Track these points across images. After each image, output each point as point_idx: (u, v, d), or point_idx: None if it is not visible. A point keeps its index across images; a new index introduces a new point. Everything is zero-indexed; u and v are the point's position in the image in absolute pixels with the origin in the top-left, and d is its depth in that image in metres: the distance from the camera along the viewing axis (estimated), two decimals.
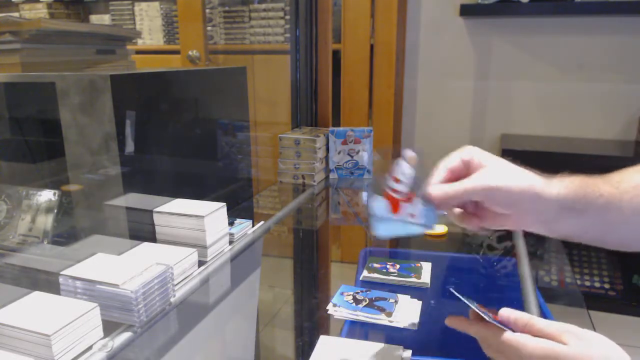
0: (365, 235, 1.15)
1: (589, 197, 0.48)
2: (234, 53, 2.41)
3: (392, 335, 0.64)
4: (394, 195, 0.53)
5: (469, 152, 0.52)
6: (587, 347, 0.41)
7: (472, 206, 0.54)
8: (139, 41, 2.52)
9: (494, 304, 0.48)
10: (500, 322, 0.46)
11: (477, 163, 0.51)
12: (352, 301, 0.71)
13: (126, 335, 0.57)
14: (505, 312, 0.47)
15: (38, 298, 0.55)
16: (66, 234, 0.82)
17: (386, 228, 0.53)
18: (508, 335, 0.44)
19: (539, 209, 0.49)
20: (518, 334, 0.44)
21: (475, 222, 0.53)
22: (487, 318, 0.46)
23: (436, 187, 0.51)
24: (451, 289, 0.53)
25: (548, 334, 0.43)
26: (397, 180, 0.53)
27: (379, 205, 0.53)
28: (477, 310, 0.47)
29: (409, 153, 0.54)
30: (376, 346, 0.60)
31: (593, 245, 0.51)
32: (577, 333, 0.42)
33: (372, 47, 2.10)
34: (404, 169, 0.54)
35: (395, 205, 0.53)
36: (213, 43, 2.38)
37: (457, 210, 0.55)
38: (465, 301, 0.48)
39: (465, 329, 0.49)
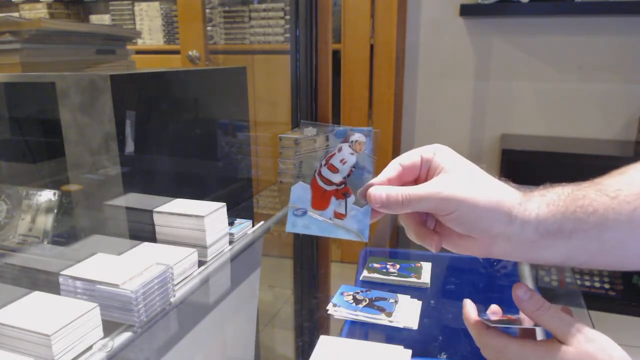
0: None
1: (579, 215, 0.37)
2: (234, 53, 2.41)
3: (392, 335, 0.64)
4: (323, 185, 0.43)
5: (431, 150, 0.41)
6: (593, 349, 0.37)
7: (431, 220, 0.43)
8: (139, 41, 2.53)
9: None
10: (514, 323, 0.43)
11: (437, 165, 0.40)
12: (352, 301, 0.71)
13: (126, 335, 0.57)
14: (520, 290, 0.41)
15: (38, 298, 0.55)
16: (66, 234, 0.82)
17: (302, 223, 0.43)
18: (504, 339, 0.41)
19: (512, 234, 0.38)
20: (514, 339, 0.40)
21: (435, 240, 0.42)
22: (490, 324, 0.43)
23: (379, 187, 0.41)
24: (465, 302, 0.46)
25: (554, 331, 0.39)
26: (332, 168, 0.43)
27: (301, 194, 0.43)
28: (492, 324, 0.42)
29: (357, 136, 0.44)
30: (376, 346, 0.60)
31: (583, 267, 0.42)
32: (586, 336, 0.38)
33: (372, 47, 2.10)
34: (345, 155, 0.44)
35: (320, 198, 0.43)
36: (213, 43, 2.38)
37: (413, 222, 0.43)
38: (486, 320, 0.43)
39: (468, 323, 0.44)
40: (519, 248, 0.39)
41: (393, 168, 0.42)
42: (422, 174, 0.42)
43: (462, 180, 0.39)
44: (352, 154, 0.44)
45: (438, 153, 0.41)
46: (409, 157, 0.42)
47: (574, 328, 0.39)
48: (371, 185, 0.42)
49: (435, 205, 0.38)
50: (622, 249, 0.38)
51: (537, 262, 0.41)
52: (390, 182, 0.41)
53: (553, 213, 0.38)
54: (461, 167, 0.40)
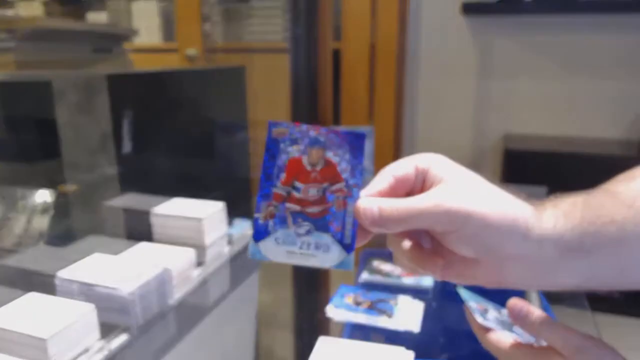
0: None
1: (598, 227, 0.32)
2: (232, 52, 2.40)
3: (394, 337, 0.63)
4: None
5: (427, 160, 0.35)
6: None
7: (428, 239, 0.36)
8: (137, 39, 2.51)
9: (501, 307, 0.47)
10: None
11: (434, 176, 0.34)
12: (352, 303, 0.70)
13: (123, 338, 0.57)
14: (515, 308, 0.37)
15: (34, 299, 0.55)
16: (62, 235, 0.81)
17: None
18: (502, 344, 0.39)
19: (528, 253, 0.32)
20: (514, 345, 0.38)
21: (440, 264, 0.35)
22: (482, 320, 0.43)
23: (369, 199, 0.34)
24: (457, 288, 0.43)
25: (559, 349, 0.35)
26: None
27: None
28: (474, 314, 0.43)
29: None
30: (377, 347, 0.59)
31: (601, 290, 0.35)
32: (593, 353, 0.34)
33: (372, 46, 2.09)
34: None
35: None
36: (211, 41, 2.38)
37: (406, 243, 0.36)
38: (471, 302, 0.44)
39: (471, 324, 0.42)
40: (535, 271, 0.33)
41: (384, 179, 0.35)
42: (416, 187, 0.35)
43: (467, 191, 0.33)
44: None
45: (435, 163, 0.35)
46: (402, 168, 0.35)
47: (581, 350, 0.34)
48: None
49: (437, 220, 0.32)
50: None
51: (555, 287, 0.34)
52: (381, 196, 0.34)
53: (572, 225, 0.32)
54: (463, 177, 0.34)
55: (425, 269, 0.36)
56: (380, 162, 0.42)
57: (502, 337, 0.40)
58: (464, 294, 0.46)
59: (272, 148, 0.35)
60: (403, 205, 0.33)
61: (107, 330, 0.56)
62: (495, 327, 0.42)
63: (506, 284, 0.34)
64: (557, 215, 0.33)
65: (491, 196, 0.33)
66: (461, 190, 0.33)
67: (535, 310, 0.37)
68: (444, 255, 0.35)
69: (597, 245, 0.32)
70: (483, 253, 0.33)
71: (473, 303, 0.45)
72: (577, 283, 0.33)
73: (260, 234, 0.35)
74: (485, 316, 0.44)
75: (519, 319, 0.38)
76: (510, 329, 0.42)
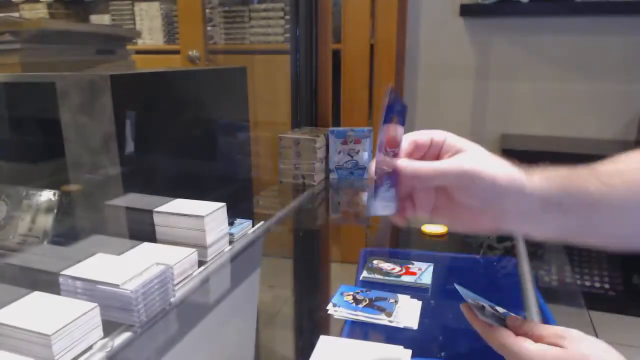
0: (365, 235, 1.15)
1: (574, 193, 0.42)
2: (234, 53, 2.41)
3: (392, 336, 0.64)
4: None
5: (442, 134, 0.45)
6: (585, 349, 0.40)
7: (442, 198, 0.46)
8: (139, 41, 2.52)
9: (495, 304, 0.48)
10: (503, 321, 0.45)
11: (451, 146, 0.44)
12: (352, 301, 0.71)
13: (126, 335, 0.57)
14: (511, 320, 0.44)
15: (38, 298, 0.55)
16: (66, 234, 0.82)
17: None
18: (509, 339, 0.43)
19: (522, 205, 0.42)
20: (519, 338, 0.42)
21: (455, 212, 0.45)
22: (481, 316, 0.45)
23: (406, 161, 0.43)
24: (455, 285, 0.49)
25: (547, 338, 0.42)
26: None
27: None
28: (475, 310, 0.46)
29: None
30: (376, 346, 0.60)
31: (572, 243, 0.45)
32: (575, 337, 0.41)
33: (372, 47, 2.10)
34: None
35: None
36: (213, 43, 2.38)
37: (423, 196, 0.46)
38: (469, 299, 0.47)
39: (472, 321, 0.46)
40: (524, 220, 0.43)
41: (408, 144, 0.45)
42: (429, 154, 0.45)
43: (480, 157, 0.43)
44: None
45: (449, 137, 0.45)
46: (421, 137, 0.45)
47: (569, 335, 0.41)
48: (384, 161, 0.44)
49: (463, 179, 0.42)
50: (607, 230, 0.43)
51: (538, 235, 0.44)
52: (406, 156, 0.45)
53: (554, 187, 0.42)
54: (475, 148, 0.44)
55: (442, 216, 0.46)
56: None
57: (504, 332, 0.43)
58: (462, 292, 0.47)
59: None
60: (430, 165, 0.43)
61: (110, 328, 0.57)
62: (493, 324, 0.43)
63: (502, 230, 0.45)
64: (542, 178, 0.43)
65: (497, 162, 0.43)
66: (475, 157, 0.43)
67: (526, 321, 0.44)
68: (454, 208, 0.45)
69: (573, 206, 0.41)
70: (488, 205, 0.42)
71: (470, 300, 0.46)
72: (556, 234, 0.43)
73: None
74: (482, 312, 0.45)
75: (515, 329, 0.43)
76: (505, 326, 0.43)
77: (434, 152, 0.45)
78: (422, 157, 0.45)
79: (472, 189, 0.42)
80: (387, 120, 0.42)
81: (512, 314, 0.46)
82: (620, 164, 0.44)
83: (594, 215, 0.42)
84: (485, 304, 0.47)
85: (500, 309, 0.46)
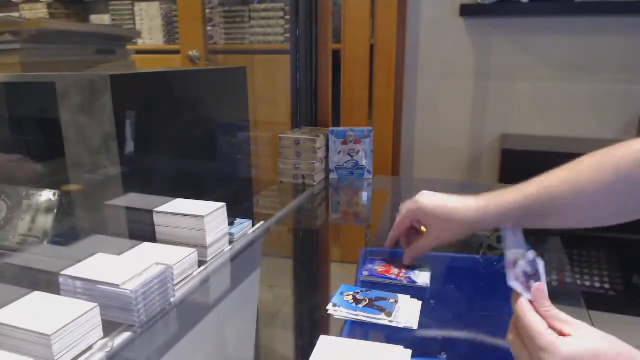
0: (365, 235, 1.15)
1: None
2: (234, 53, 2.41)
3: (392, 336, 0.64)
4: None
5: (414, 215, 0.78)
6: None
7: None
8: (139, 41, 2.52)
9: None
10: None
11: (422, 220, 0.76)
12: (352, 301, 0.71)
13: (126, 335, 0.57)
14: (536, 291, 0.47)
15: (38, 298, 0.55)
16: (66, 234, 0.82)
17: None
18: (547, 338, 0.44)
19: (482, 226, 0.72)
20: (557, 337, 0.44)
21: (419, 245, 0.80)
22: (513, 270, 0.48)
23: (409, 255, 0.82)
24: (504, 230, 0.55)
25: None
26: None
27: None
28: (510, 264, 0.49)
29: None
30: (376, 346, 0.60)
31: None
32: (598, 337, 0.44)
33: (372, 47, 2.10)
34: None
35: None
36: (213, 43, 2.39)
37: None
38: (509, 250, 0.51)
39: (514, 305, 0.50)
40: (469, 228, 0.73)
41: (398, 231, 0.82)
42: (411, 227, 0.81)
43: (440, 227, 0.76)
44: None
45: (421, 217, 0.76)
46: (403, 224, 0.80)
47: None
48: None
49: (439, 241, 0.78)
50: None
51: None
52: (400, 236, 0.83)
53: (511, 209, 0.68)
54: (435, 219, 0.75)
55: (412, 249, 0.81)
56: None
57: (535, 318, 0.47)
58: (508, 240, 0.53)
59: None
60: (420, 249, 0.80)
61: (110, 328, 0.57)
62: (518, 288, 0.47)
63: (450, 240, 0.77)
64: (497, 206, 0.69)
65: (454, 211, 0.73)
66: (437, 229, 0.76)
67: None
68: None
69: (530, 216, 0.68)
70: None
71: (510, 254, 0.51)
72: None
73: None
74: (516, 265, 0.49)
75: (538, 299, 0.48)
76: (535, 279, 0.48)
77: (415, 222, 0.79)
78: (409, 230, 0.81)
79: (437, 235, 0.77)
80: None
81: (540, 283, 0.47)
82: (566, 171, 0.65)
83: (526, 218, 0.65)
84: (522, 259, 0.49)
85: (539, 263, 0.49)
